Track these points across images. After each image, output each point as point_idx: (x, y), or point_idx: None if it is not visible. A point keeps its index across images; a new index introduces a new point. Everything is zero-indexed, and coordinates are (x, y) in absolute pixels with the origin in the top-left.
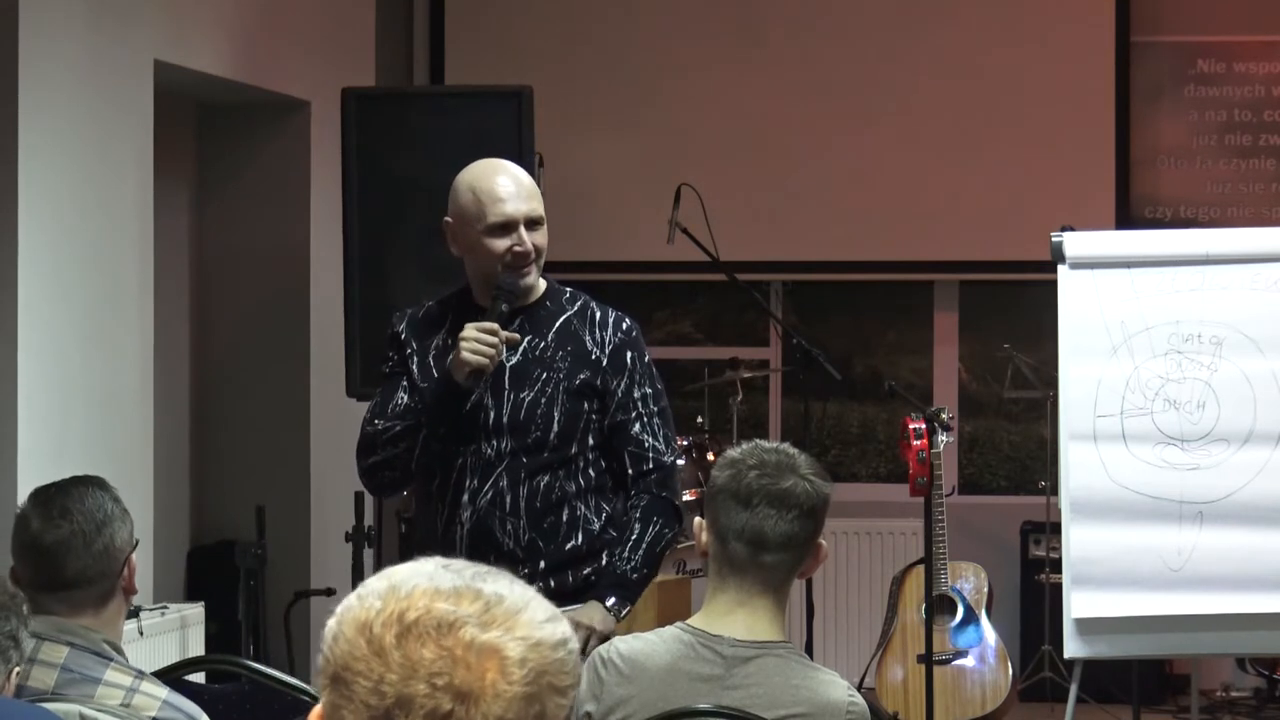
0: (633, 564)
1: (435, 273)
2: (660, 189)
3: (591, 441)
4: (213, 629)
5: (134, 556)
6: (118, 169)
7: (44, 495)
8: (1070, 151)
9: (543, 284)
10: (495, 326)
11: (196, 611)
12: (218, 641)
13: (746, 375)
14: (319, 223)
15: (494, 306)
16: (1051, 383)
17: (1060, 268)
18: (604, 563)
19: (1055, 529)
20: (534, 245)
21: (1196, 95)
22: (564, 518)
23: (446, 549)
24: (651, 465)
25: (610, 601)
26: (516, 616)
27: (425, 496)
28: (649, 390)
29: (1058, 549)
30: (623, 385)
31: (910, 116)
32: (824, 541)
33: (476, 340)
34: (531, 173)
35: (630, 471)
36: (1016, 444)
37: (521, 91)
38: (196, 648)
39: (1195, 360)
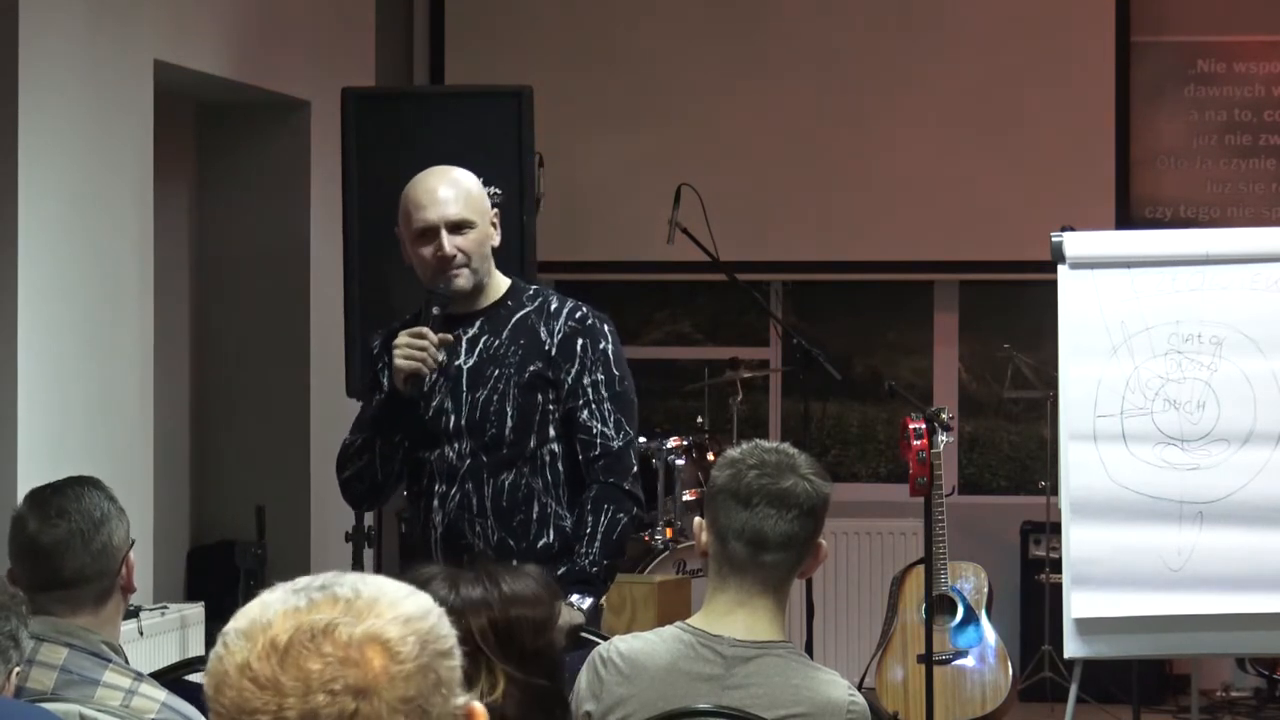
0: (590, 557)
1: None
2: (660, 189)
3: (553, 433)
4: (213, 629)
5: (131, 555)
6: (118, 169)
7: (40, 496)
8: (1070, 151)
9: (505, 284)
10: (425, 330)
11: (196, 611)
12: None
13: (746, 375)
14: (319, 223)
15: (425, 311)
16: (1051, 383)
17: (1060, 268)
18: (567, 558)
19: (1055, 529)
20: (460, 249)
21: (1196, 95)
22: (533, 515)
23: (426, 552)
24: (599, 451)
25: (574, 598)
26: (378, 602)
27: (411, 500)
28: (600, 377)
29: (1058, 549)
30: (572, 373)
31: (910, 117)
32: (824, 541)
33: (407, 345)
34: (531, 172)
35: (581, 458)
36: (1016, 444)
37: (521, 91)
38: (196, 648)
39: (1195, 360)
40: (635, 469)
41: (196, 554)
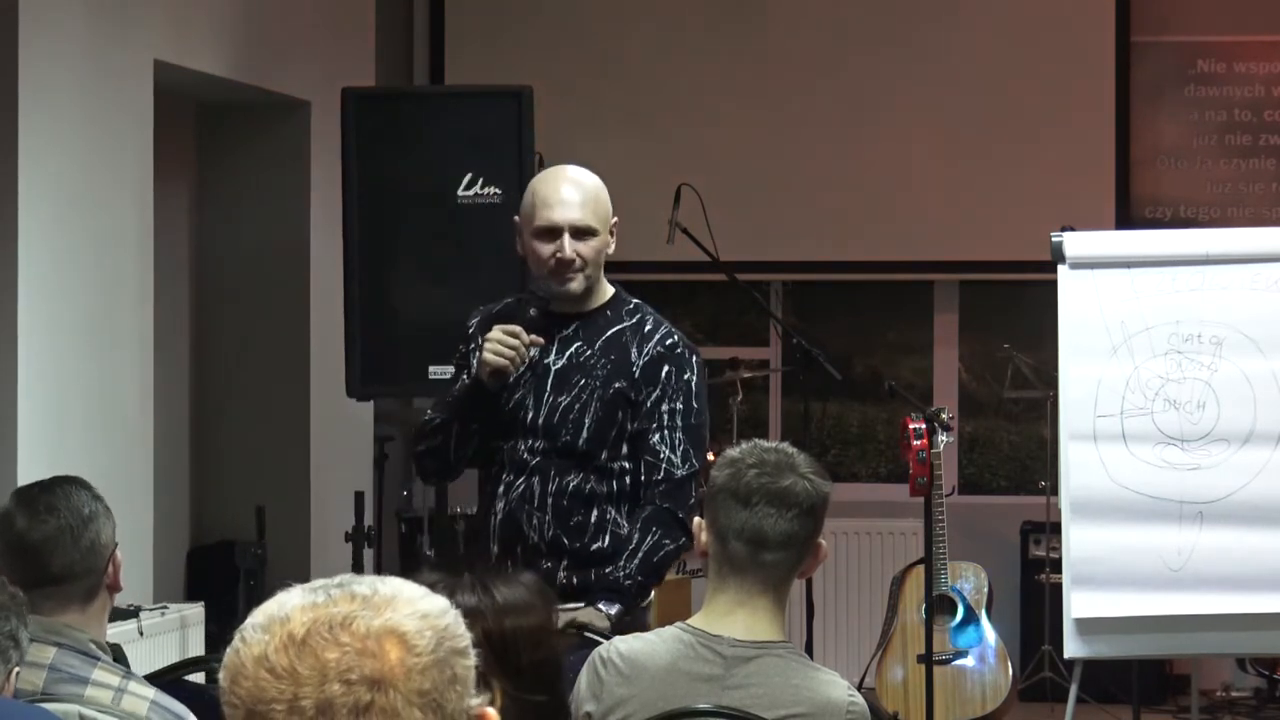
0: (626, 571)
1: (436, 273)
2: (660, 189)
3: (625, 450)
4: (213, 629)
5: (119, 554)
6: (118, 169)
7: (28, 494)
8: (1070, 151)
9: (609, 291)
10: (518, 329)
11: (196, 611)
12: (218, 641)
13: (746, 375)
14: (319, 223)
15: (523, 310)
16: (1051, 383)
17: (1060, 268)
18: (608, 566)
19: (1055, 529)
20: (579, 254)
21: (1196, 95)
22: (592, 518)
23: (486, 539)
24: (661, 476)
25: (600, 604)
26: (396, 598)
27: (481, 486)
28: (679, 406)
29: (1058, 549)
30: (652, 397)
31: (910, 116)
32: (824, 541)
33: (498, 342)
34: (531, 172)
35: (644, 479)
36: (1016, 444)
37: (521, 91)
38: (196, 648)
39: (1195, 360)
40: (694, 501)
41: (196, 554)
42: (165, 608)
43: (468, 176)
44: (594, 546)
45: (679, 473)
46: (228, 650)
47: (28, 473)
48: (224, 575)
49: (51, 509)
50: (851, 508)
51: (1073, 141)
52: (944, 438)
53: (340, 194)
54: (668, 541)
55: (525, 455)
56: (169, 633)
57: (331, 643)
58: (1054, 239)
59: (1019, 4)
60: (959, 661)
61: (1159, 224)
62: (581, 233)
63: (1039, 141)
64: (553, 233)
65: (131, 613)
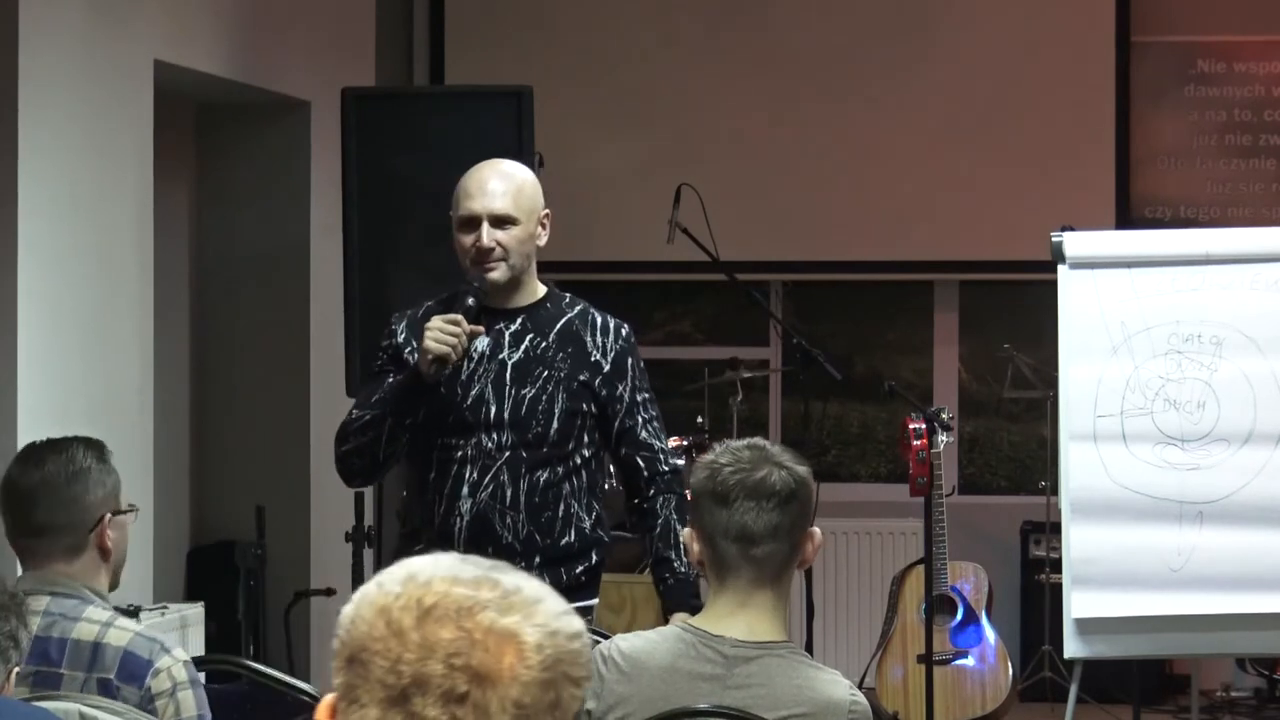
0: (689, 563)
1: (435, 273)
2: (660, 189)
3: (587, 440)
4: (213, 629)
5: (124, 519)
6: (118, 169)
7: (32, 445)
8: (1070, 151)
9: (542, 288)
10: (459, 317)
11: (196, 611)
12: (218, 641)
13: (746, 375)
14: (319, 223)
15: (461, 299)
16: (1051, 383)
17: (1060, 268)
18: (663, 571)
19: (1055, 529)
20: (499, 242)
21: (1196, 95)
22: (559, 513)
23: (444, 541)
24: (667, 467)
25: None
26: (535, 606)
27: (421, 488)
28: (648, 395)
29: (1058, 549)
30: (627, 391)
31: (910, 116)
32: (816, 529)
33: (440, 330)
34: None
35: (646, 473)
36: (1016, 444)
37: (521, 91)
38: (196, 648)
39: (1195, 360)
40: None
41: (196, 554)
42: (165, 608)
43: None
44: (563, 542)
45: (674, 460)
46: (361, 589)
47: None
48: (224, 575)
49: (40, 461)
50: (851, 508)
51: (1073, 141)
52: (944, 438)
53: (340, 194)
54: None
55: (493, 450)
56: (169, 633)
57: (452, 623)
58: (1054, 239)
59: (1019, 4)
60: (959, 661)
61: (1159, 224)
62: (501, 221)
63: (1039, 141)
64: (473, 222)
65: (131, 613)
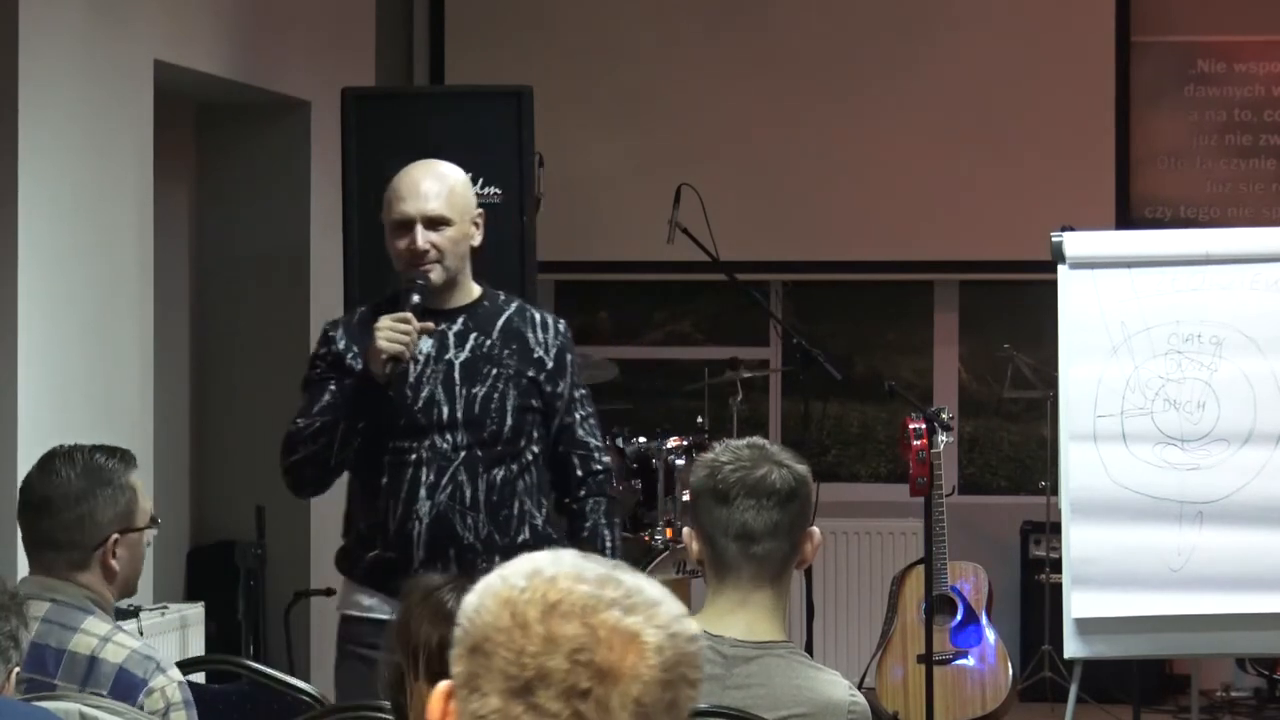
0: None
1: None
2: (660, 189)
3: (536, 436)
4: (213, 629)
5: (137, 537)
6: (118, 169)
7: (54, 451)
8: (1070, 151)
9: (477, 287)
10: (409, 316)
11: (196, 611)
12: (218, 641)
13: (746, 375)
14: (319, 223)
15: (405, 298)
16: (1051, 383)
17: (1060, 268)
18: None
19: (1055, 529)
20: (433, 244)
21: (1196, 95)
22: (515, 511)
23: (401, 545)
24: (601, 467)
25: None
26: (656, 607)
27: (372, 494)
28: (584, 391)
29: (1058, 549)
30: (565, 387)
31: (910, 116)
32: (816, 528)
33: (390, 329)
34: (531, 173)
35: (579, 472)
36: (1016, 444)
37: (521, 91)
38: (196, 648)
39: (1195, 360)
40: None
41: (196, 554)
42: (165, 608)
43: (468, 176)
44: (519, 540)
45: (607, 459)
46: (482, 581)
47: (28, 471)
48: (224, 575)
49: (55, 473)
50: (851, 508)
51: (1073, 141)
52: (944, 438)
53: (340, 194)
54: (618, 529)
55: (449, 452)
56: (169, 633)
57: (578, 620)
58: (1054, 239)
59: (1019, 4)
60: (959, 661)
61: (1159, 224)
62: (434, 222)
63: (1039, 141)
64: (406, 225)
65: (131, 613)
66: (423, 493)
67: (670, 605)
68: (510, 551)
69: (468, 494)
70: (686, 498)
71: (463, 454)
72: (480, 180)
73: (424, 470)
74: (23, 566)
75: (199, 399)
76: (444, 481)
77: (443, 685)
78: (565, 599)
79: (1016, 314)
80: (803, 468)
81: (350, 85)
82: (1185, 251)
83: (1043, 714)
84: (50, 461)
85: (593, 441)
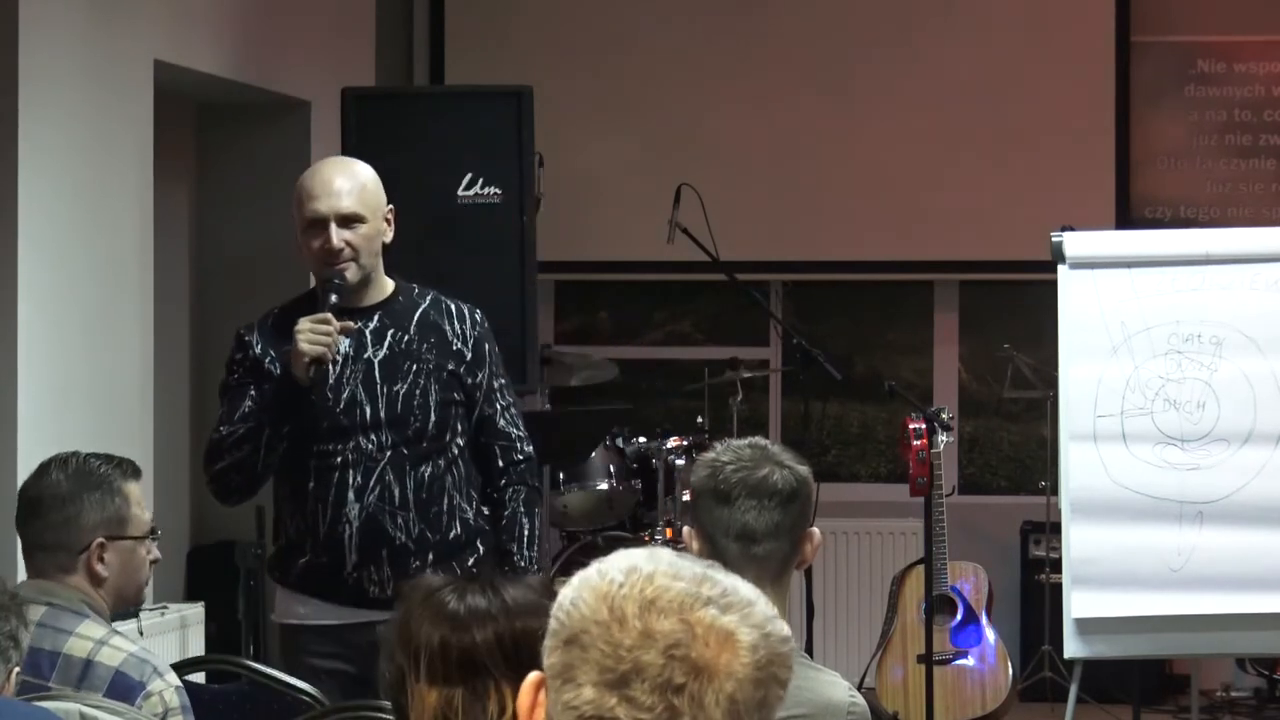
0: (530, 557)
1: (435, 273)
2: (660, 189)
3: (460, 429)
4: (212, 629)
5: (128, 545)
6: (118, 168)
7: (56, 455)
8: (1070, 151)
9: (390, 283)
10: (329, 316)
11: (196, 611)
12: (218, 641)
13: (746, 375)
14: None
15: (324, 298)
16: (1051, 383)
17: (1060, 268)
18: (504, 564)
19: (1055, 529)
20: (348, 243)
21: (1196, 95)
22: (445, 507)
23: (332, 549)
24: (522, 457)
25: None
26: (751, 607)
27: (300, 498)
28: (503, 380)
29: (1058, 549)
30: (484, 378)
31: (910, 116)
32: (816, 529)
33: (311, 331)
34: (531, 173)
35: (501, 462)
36: (1016, 444)
37: (521, 91)
38: (196, 648)
39: (1195, 360)
40: None
41: (196, 554)
42: (165, 608)
43: (468, 176)
44: (451, 535)
45: (528, 448)
46: (578, 575)
47: (28, 472)
48: (224, 575)
49: (48, 473)
50: (851, 508)
51: (1073, 141)
52: (944, 438)
53: None
54: (539, 518)
55: (374, 452)
56: (169, 633)
57: (675, 616)
58: (1054, 239)
59: (1019, 4)
60: (959, 661)
61: (1159, 224)
62: (348, 220)
63: (1039, 141)
64: (320, 224)
65: (131, 613)
66: (351, 495)
67: (763, 606)
68: (443, 548)
69: (396, 494)
70: (686, 498)
71: (389, 454)
72: (480, 180)
73: (351, 473)
74: (23, 569)
75: (199, 399)
76: (371, 483)
77: (533, 675)
78: (662, 595)
79: (1016, 314)
80: (804, 468)
81: (350, 85)
82: (1185, 251)
83: (1043, 714)
84: (47, 465)
85: (514, 431)
